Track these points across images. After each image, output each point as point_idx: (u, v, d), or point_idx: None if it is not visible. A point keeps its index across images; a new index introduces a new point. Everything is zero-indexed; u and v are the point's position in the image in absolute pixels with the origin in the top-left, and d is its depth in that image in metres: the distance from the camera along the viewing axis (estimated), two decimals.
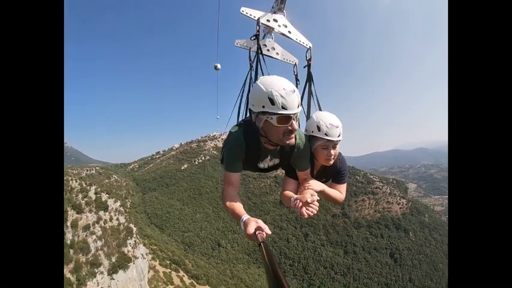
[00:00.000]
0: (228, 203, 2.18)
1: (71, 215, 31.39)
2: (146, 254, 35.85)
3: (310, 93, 3.40)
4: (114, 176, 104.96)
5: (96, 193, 37.22)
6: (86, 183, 38.75)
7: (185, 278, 48.48)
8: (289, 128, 2.03)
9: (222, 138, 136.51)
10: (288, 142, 2.12)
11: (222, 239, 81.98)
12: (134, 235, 35.92)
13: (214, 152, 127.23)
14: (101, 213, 33.77)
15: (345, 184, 2.85)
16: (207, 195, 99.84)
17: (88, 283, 27.91)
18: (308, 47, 3.66)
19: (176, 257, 56.24)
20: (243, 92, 3.31)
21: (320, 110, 3.18)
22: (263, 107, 1.99)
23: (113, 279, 29.54)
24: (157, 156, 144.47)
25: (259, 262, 75.38)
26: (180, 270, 50.71)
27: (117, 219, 35.67)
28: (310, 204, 2.07)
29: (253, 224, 1.75)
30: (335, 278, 75.41)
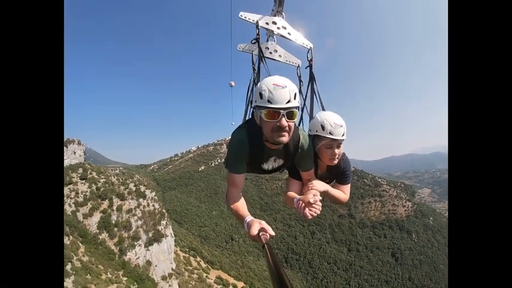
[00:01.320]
0: (232, 204, 2.16)
1: (116, 202, 40.56)
2: (172, 234, 44.68)
3: (313, 93, 3.40)
4: (136, 175, 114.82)
5: (135, 185, 46.30)
6: (122, 179, 48.34)
7: (201, 263, 56.74)
8: (278, 124, 1.96)
9: None
10: (278, 139, 2.03)
11: (235, 234, 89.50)
12: (166, 218, 44.62)
13: None
14: (141, 200, 42.60)
15: (349, 185, 2.85)
16: (222, 195, 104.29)
17: (128, 253, 36.99)
18: (309, 47, 3.71)
19: (194, 246, 64.95)
20: (248, 96, 3.30)
21: (323, 110, 3.18)
22: (255, 101, 2.03)
23: (148, 250, 38.06)
24: (175, 158, 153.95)
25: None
26: (197, 256, 58.83)
27: (153, 205, 44.43)
28: (313, 205, 2.06)
29: (257, 225, 1.75)
30: (337, 273, 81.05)
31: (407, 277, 78.99)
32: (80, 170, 43.69)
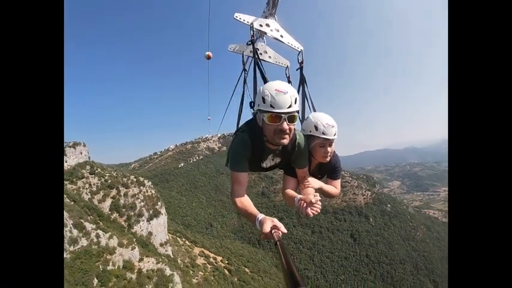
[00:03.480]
0: (239, 203, 2.24)
1: (122, 189, 53.58)
2: (165, 213, 58.72)
3: (304, 95, 3.55)
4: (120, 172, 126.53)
5: (135, 177, 59.62)
6: (121, 173, 61.88)
7: (186, 242, 70.68)
8: (279, 127, 2.12)
9: (213, 140, 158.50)
10: (279, 141, 2.20)
11: (213, 221, 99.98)
12: (160, 200, 57.92)
13: (207, 152, 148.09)
14: (141, 187, 55.59)
15: (339, 179, 3.04)
16: (201, 188, 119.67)
17: (135, 227, 50.71)
18: (299, 50, 3.80)
19: (178, 230, 79.05)
20: (242, 96, 3.44)
21: (314, 111, 3.36)
22: (258, 105, 2.17)
23: (150, 223, 51.29)
24: (155, 157, 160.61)
25: (243, 239, 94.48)
26: (182, 237, 72.73)
27: (151, 191, 57.51)
28: (314, 204, 2.18)
29: (269, 223, 1.78)
30: (302, 251, 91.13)
31: (365, 255, 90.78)
32: (88, 167, 56.43)
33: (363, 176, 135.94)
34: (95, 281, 29.93)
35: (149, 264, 34.51)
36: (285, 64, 4.23)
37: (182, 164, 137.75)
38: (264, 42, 4.15)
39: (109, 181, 55.01)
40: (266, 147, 2.44)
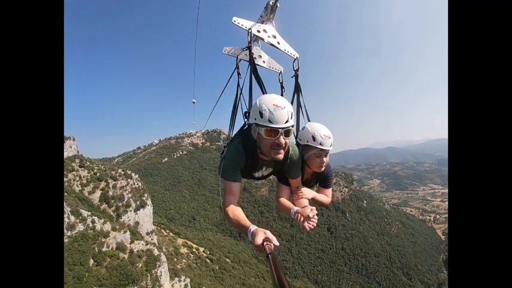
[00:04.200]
0: (231, 214, 2.21)
1: (110, 182, 57.05)
2: (151, 204, 62.70)
3: (298, 103, 3.51)
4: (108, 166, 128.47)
5: (123, 170, 63.34)
6: (109, 166, 65.65)
7: (170, 233, 74.59)
8: (276, 141, 2.16)
9: (197, 136, 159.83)
10: (274, 156, 2.26)
11: (196, 215, 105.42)
12: (146, 192, 61.75)
13: (191, 148, 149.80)
14: (129, 180, 59.22)
15: (331, 188, 3.15)
16: (184, 183, 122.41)
17: (123, 217, 54.53)
18: (295, 57, 3.77)
19: (162, 222, 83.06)
20: (235, 101, 3.32)
21: (309, 120, 3.34)
22: (255, 119, 2.18)
23: (137, 214, 54.96)
24: (138, 151, 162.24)
25: (225, 231, 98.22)
26: (166, 229, 76.56)
27: (138, 183, 61.26)
28: (311, 219, 2.24)
29: (262, 234, 1.76)
30: (281, 243, 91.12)
31: (341, 247, 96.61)
32: (77, 161, 59.81)
33: (341, 174, 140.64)
34: (91, 261, 34.28)
35: (139, 245, 38.92)
36: (278, 70, 4.14)
37: (166, 159, 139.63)
38: (259, 46, 4.08)
39: (98, 174, 58.52)
40: (259, 159, 2.47)
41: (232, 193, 2.37)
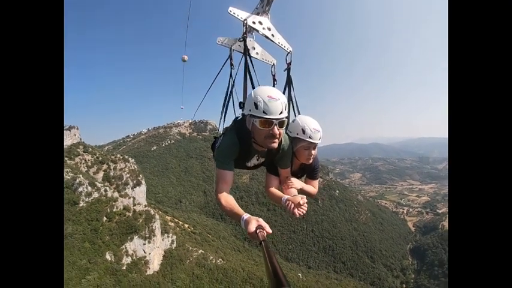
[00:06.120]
0: (224, 202, 2.29)
1: (111, 165, 70.24)
2: (145, 184, 75.54)
3: (289, 96, 3.60)
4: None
5: (121, 155, 77.02)
6: (109, 152, 79.38)
7: (159, 211, 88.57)
8: (271, 132, 2.25)
9: (185, 126, 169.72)
10: (269, 145, 2.34)
11: (182, 198, 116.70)
12: (141, 174, 74.89)
13: (178, 137, 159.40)
14: (126, 163, 72.25)
15: (318, 180, 3.31)
16: (171, 170, 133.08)
17: (122, 192, 68.02)
18: (289, 51, 3.83)
19: (152, 203, 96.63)
20: (227, 92, 3.46)
21: (299, 113, 3.48)
22: (250, 110, 2.27)
23: (133, 191, 67.49)
24: (128, 140, 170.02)
25: (208, 213, 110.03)
26: (156, 208, 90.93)
27: (134, 166, 74.12)
28: (302, 206, 2.36)
29: (254, 222, 1.82)
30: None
31: (311, 230, 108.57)
32: (81, 147, 72.74)
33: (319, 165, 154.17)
34: (104, 218, 49.09)
35: (140, 207, 54.05)
36: (271, 62, 4.19)
37: (155, 147, 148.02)
38: (253, 37, 4.11)
39: (100, 158, 72.15)
40: (253, 148, 2.55)
41: (225, 181, 2.44)
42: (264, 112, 2.19)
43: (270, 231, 1.79)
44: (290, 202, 2.44)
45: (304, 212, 2.41)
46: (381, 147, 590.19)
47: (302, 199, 2.39)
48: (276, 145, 2.37)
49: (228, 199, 2.33)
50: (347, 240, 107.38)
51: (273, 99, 2.19)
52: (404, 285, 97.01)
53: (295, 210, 2.38)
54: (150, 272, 50.49)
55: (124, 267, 46.91)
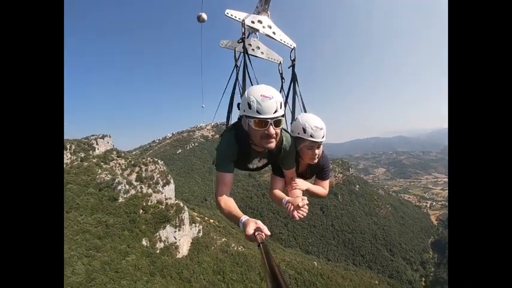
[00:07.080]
0: (223, 204, 2.29)
1: (143, 167, 79.74)
2: (173, 182, 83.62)
3: (294, 93, 3.58)
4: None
5: (151, 158, 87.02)
6: (140, 156, 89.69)
7: (186, 208, 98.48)
8: (266, 132, 2.17)
9: (207, 129, 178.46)
10: (266, 146, 2.25)
11: (207, 196, 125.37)
12: (169, 174, 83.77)
13: (202, 140, 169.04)
14: (156, 165, 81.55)
15: (328, 180, 3.11)
16: (197, 170, 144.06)
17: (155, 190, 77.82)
18: (292, 47, 3.83)
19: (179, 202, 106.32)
20: (232, 93, 3.40)
21: (305, 111, 3.42)
22: (244, 111, 2.21)
23: (163, 188, 75.41)
24: (154, 144, 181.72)
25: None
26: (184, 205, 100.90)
27: (163, 168, 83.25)
28: (301, 208, 2.28)
29: (253, 225, 1.82)
30: (278, 219, 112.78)
31: (331, 224, 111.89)
32: (114, 152, 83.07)
33: (339, 161, 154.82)
34: (141, 210, 59.24)
35: (171, 201, 64.44)
36: (277, 60, 4.13)
37: (180, 151, 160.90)
38: (257, 37, 4.05)
39: (132, 161, 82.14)
40: (252, 150, 2.49)
41: (224, 184, 2.41)
42: (257, 112, 2.12)
43: (269, 233, 1.80)
44: (290, 204, 2.41)
45: (304, 214, 2.34)
46: (406, 140, 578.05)
47: (302, 201, 2.32)
48: (273, 145, 2.29)
49: (227, 201, 2.32)
50: (366, 234, 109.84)
51: (266, 98, 2.12)
52: (423, 279, 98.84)
53: (295, 212, 2.33)
54: (179, 255, 60.51)
55: (158, 251, 56.74)
